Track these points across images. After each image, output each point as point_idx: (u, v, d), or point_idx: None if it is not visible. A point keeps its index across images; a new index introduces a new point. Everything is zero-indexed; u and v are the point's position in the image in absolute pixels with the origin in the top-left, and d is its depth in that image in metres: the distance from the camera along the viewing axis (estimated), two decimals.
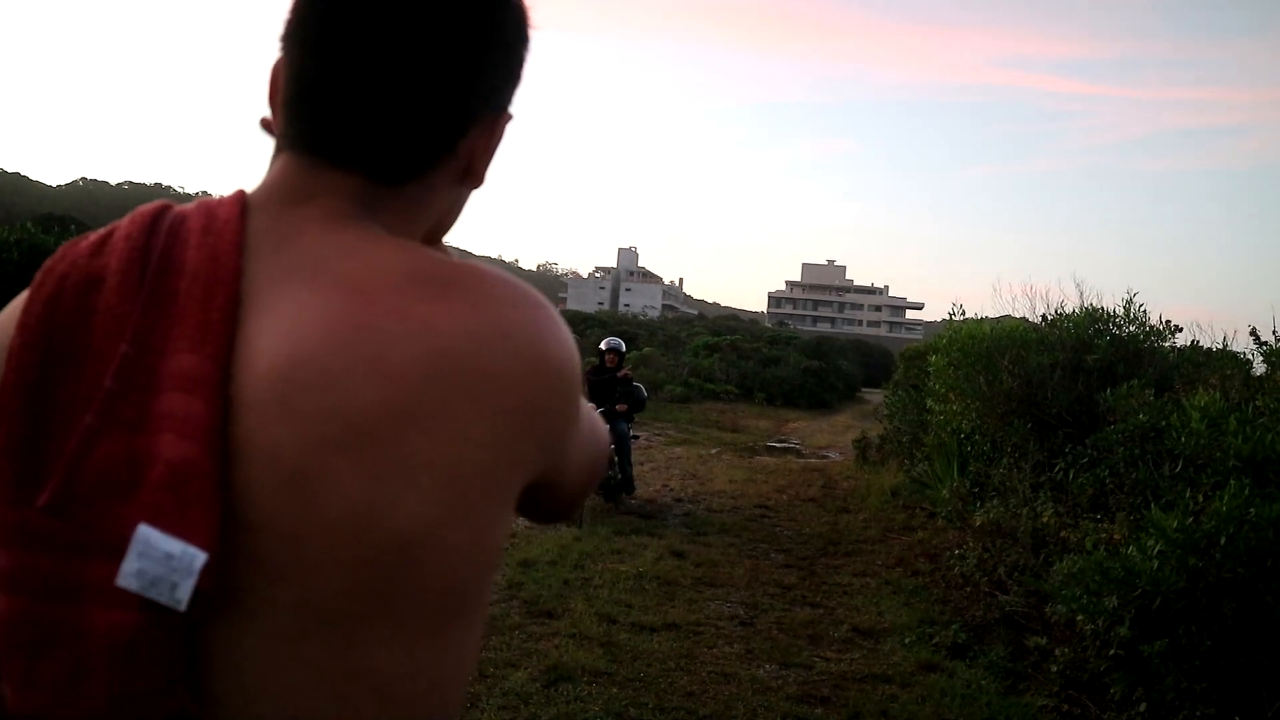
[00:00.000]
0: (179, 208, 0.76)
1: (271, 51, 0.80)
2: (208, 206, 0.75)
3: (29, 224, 11.06)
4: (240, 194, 0.76)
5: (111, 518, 0.63)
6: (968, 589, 6.32)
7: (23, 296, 0.73)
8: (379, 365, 0.65)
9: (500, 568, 0.76)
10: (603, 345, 9.92)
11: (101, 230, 0.76)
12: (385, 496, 0.64)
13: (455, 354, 0.66)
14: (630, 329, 38.45)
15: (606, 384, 9.45)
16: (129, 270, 0.70)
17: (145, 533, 0.62)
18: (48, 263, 0.73)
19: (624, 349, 10.00)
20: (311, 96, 0.74)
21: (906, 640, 5.44)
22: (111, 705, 0.62)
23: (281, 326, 0.67)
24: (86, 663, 0.62)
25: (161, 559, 0.61)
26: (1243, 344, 6.68)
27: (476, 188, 0.84)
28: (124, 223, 0.74)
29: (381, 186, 0.76)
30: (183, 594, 0.61)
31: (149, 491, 0.63)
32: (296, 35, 0.75)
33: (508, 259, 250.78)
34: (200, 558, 0.61)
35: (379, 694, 0.67)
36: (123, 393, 0.65)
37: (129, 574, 0.61)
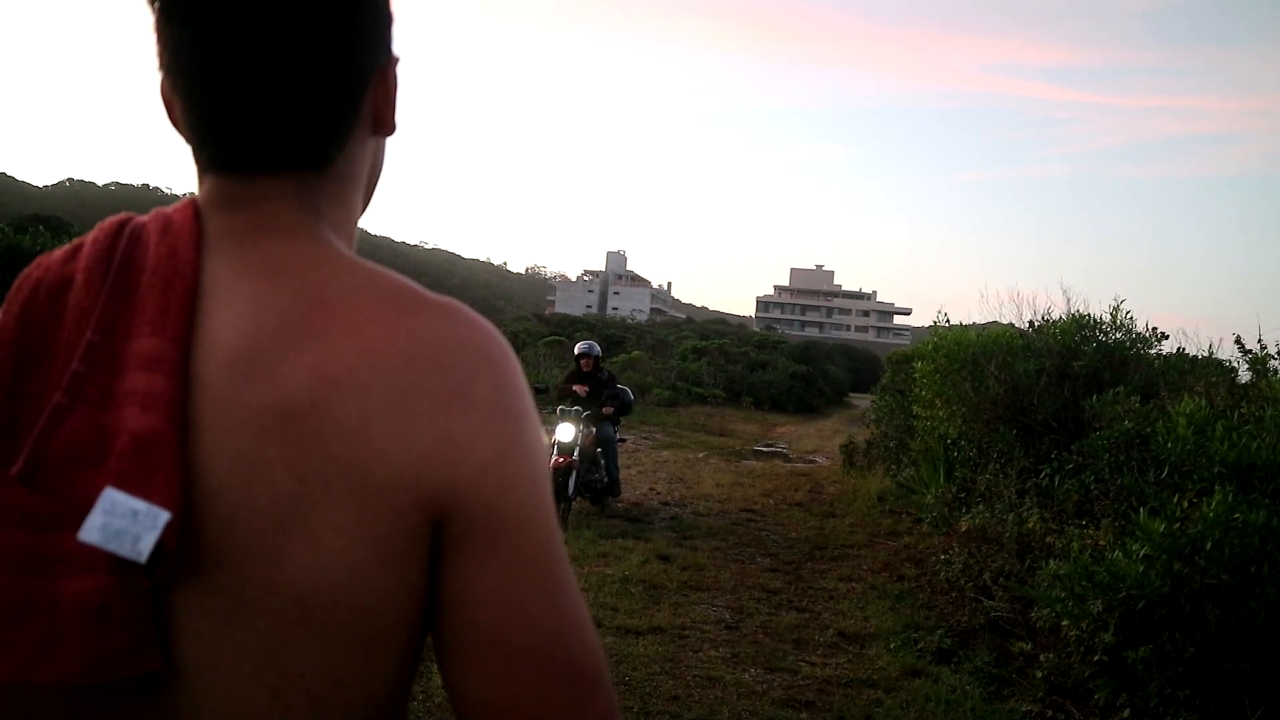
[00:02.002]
0: (139, 218, 0.80)
1: None
2: (164, 214, 0.79)
3: (5, 227, 10.98)
4: (192, 200, 0.79)
5: (79, 485, 0.66)
6: (953, 594, 6.35)
7: None
8: (320, 370, 0.68)
9: (424, 614, 0.73)
10: (576, 350, 9.90)
11: (74, 242, 0.80)
12: (306, 495, 0.67)
13: (389, 372, 0.69)
14: (618, 332, 38.48)
15: (593, 388, 9.43)
16: (94, 269, 0.75)
17: (111, 493, 0.65)
18: (25, 271, 0.79)
19: (598, 352, 9.91)
20: (216, 124, 0.76)
21: (891, 645, 5.45)
22: (84, 667, 0.65)
23: (241, 320, 0.71)
24: (59, 629, 0.66)
25: (127, 515, 0.64)
26: (1228, 351, 6.73)
27: (391, 135, 0.86)
28: (91, 234, 0.79)
29: (314, 173, 0.79)
30: (145, 546, 0.64)
31: (114, 460, 0.66)
32: (175, 66, 0.75)
33: (496, 262, 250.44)
34: (164, 515, 0.64)
35: (311, 699, 0.69)
36: (89, 374, 0.69)
37: (92, 528, 0.64)
